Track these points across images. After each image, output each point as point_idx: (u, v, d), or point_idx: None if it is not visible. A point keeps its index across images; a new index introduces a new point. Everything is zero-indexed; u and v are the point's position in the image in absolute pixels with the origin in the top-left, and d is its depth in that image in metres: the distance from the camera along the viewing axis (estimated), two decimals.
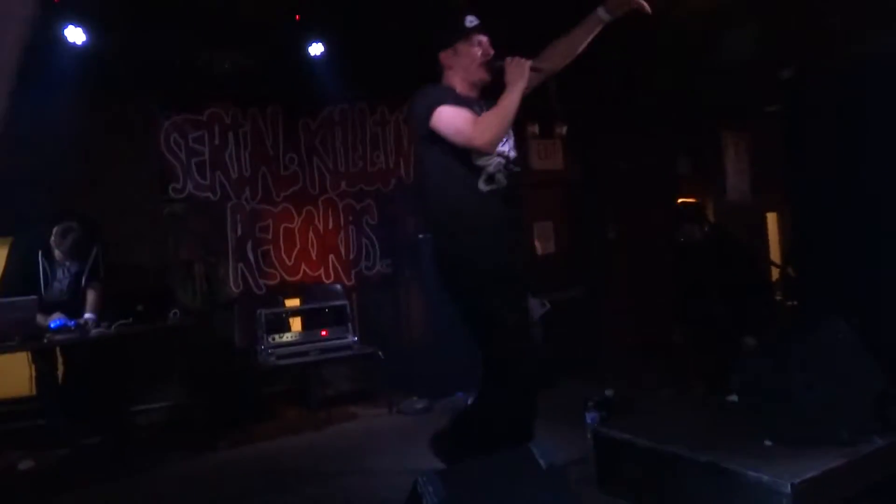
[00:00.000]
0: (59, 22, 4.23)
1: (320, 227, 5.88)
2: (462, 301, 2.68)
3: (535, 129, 6.34)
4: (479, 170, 2.62)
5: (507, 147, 2.72)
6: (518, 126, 5.75)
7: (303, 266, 5.79)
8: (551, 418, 4.44)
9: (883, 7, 3.89)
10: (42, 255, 4.36)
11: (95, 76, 4.63)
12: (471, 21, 2.72)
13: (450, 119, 2.57)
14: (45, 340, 4.00)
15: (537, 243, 6.49)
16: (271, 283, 5.66)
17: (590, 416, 4.04)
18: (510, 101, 2.55)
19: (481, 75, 2.72)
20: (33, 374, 4.37)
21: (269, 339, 4.84)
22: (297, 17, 4.84)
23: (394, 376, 5.25)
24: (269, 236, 5.69)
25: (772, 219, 7.43)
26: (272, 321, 4.95)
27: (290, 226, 5.78)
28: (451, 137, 2.57)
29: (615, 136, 6.39)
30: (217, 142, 5.52)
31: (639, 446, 2.95)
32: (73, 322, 4.21)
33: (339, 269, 5.91)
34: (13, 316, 3.83)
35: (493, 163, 2.64)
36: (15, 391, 4.59)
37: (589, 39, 2.84)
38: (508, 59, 2.62)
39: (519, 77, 2.57)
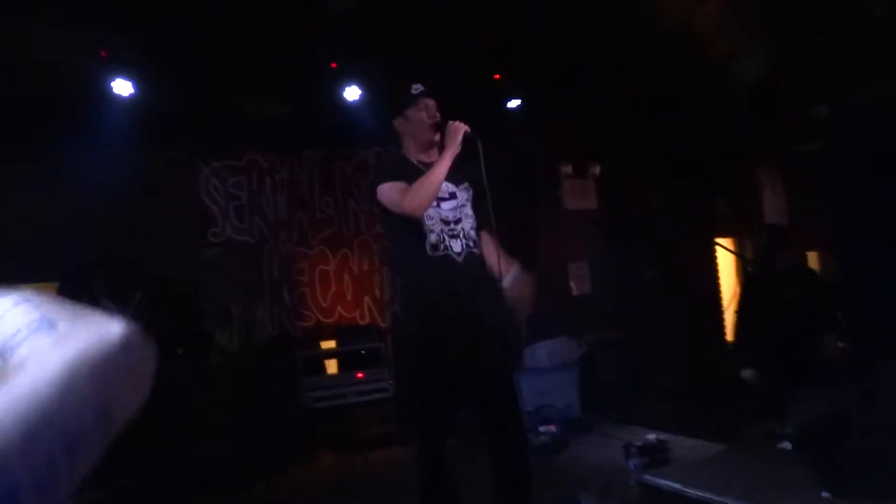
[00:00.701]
0: (108, 75, 4.38)
1: (356, 269, 5.92)
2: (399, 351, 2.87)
3: (569, 168, 6.34)
4: (423, 237, 2.77)
5: (454, 214, 2.82)
6: (551, 166, 5.74)
7: (338, 308, 5.82)
8: (592, 462, 4.38)
9: None
10: (87, 300, 4.44)
11: (139, 125, 4.78)
12: (416, 88, 2.91)
13: (386, 194, 2.76)
14: None
15: (572, 284, 6.44)
16: (307, 324, 5.69)
17: (633, 463, 3.94)
18: (439, 168, 2.71)
19: (431, 136, 2.86)
20: None
21: (306, 382, 4.84)
22: (334, 64, 4.95)
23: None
24: (305, 278, 5.74)
25: (813, 258, 7.28)
26: (309, 363, 4.96)
27: (325, 268, 5.83)
28: (391, 209, 2.76)
29: (649, 174, 6.36)
30: (255, 187, 5.63)
31: (688, 497, 2.85)
32: None
33: (375, 310, 5.92)
34: None
35: (435, 230, 2.78)
36: None
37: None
38: (449, 123, 2.78)
39: (451, 143, 2.73)
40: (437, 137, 2.85)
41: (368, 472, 4.70)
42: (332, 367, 5.23)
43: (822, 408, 2.80)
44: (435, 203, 2.79)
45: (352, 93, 5.15)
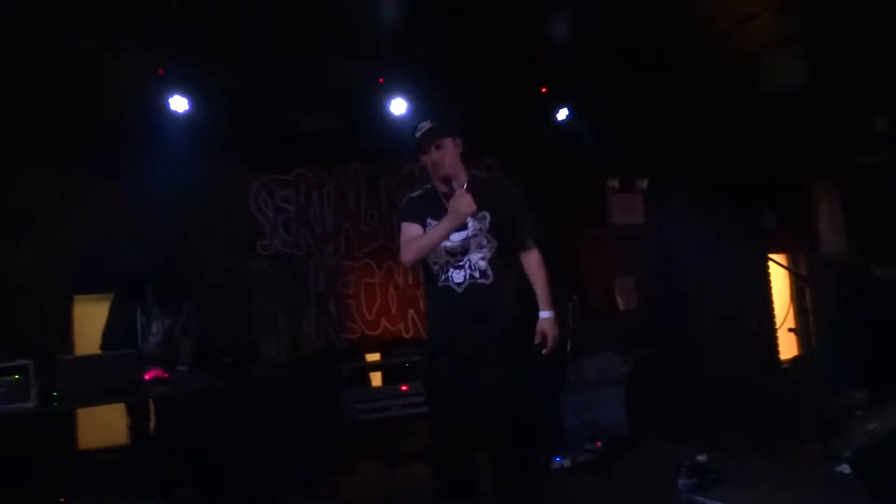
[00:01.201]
0: (165, 92, 4.53)
1: (400, 282, 5.96)
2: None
3: (616, 183, 6.28)
4: (430, 267, 2.91)
5: (461, 246, 2.85)
6: (598, 181, 5.71)
7: (383, 321, 5.86)
8: (640, 480, 4.28)
9: None
10: (140, 311, 4.57)
11: (192, 141, 4.92)
12: (419, 129, 2.93)
13: (401, 233, 2.95)
14: (142, 392, 4.16)
15: (619, 299, 6.35)
16: (352, 337, 5.74)
17: (682, 483, 3.84)
18: (438, 232, 2.79)
19: (444, 174, 2.88)
20: (129, 424, 4.53)
21: (351, 394, 4.88)
22: (381, 80, 5.02)
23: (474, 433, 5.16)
24: (351, 291, 5.80)
25: None
26: (353, 375, 4.99)
27: (370, 281, 5.88)
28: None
29: (697, 189, 6.25)
30: (303, 200, 5.73)
31: None
32: (166, 374, 4.37)
33: (419, 323, 5.93)
34: (114, 368, 4.01)
35: (439, 262, 2.87)
36: (114, 440, 4.77)
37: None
38: (459, 192, 2.76)
39: (455, 213, 2.73)
40: (452, 171, 2.88)
41: (411, 484, 4.69)
42: (376, 379, 5.26)
43: (882, 429, 2.69)
44: None
45: (398, 107, 5.21)
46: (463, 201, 2.72)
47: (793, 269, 6.54)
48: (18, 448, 3.93)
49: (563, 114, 5.60)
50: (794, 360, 6.69)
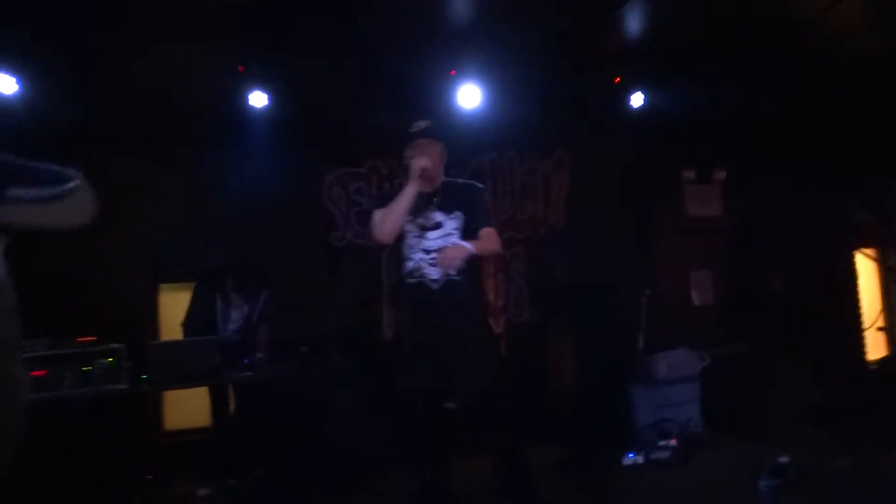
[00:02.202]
0: (245, 89, 4.69)
1: None
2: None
3: (692, 174, 6.10)
4: (405, 263, 3.07)
5: (438, 243, 3.04)
6: (674, 172, 5.60)
7: None
8: (717, 480, 4.17)
9: None
10: (220, 299, 4.75)
11: (269, 136, 5.07)
12: (414, 127, 3.26)
13: (372, 221, 3.13)
14: (224, 377, 4.33)
15: (694, 294, 6.18)
16: None
17: (764, 484, 3.73)
18: (399, 201, 3.02)
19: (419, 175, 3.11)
20: (211, 407, 4.73)
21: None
22: (453, 71, 5.03)
23: (544, 427, 5.14)
24: None
25: None
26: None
27: None
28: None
29: (779, 178, 6.00)
30: (375, 192, 5.81)
31: None
32: (245, 360, 4.53)
33: (489, 316, 5.94)
34: (198, 353, 4.19)
35: (414, 258, 3.05)
36: (198, 422, 4.99)
37: None
38: (410, 160, 3.09)
39: (411, 176, 3.05)
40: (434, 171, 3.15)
41: (480, 475, 4.71)
42: None
43: None
44: (417, 233, 3.06)
45: (470, 100, 5.21)
46: (415, 162, 3.06)
47: (885, 264, 6.22)
48: (110, 428, 4.15)
49: (638, 100, 5.46)
50: (883, 360, 6.37)
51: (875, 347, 6.40)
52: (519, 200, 6.10)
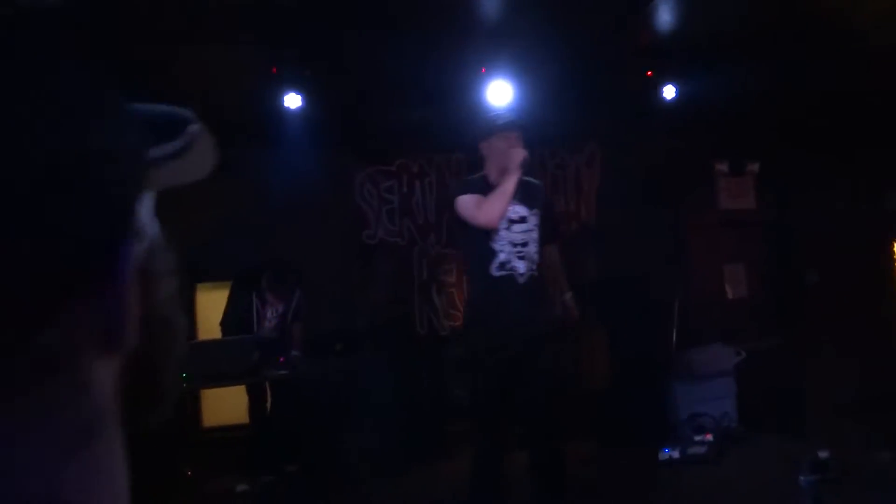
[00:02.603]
0: (279, 90, 4.75)
1: None
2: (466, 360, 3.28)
3: (724, 166, 6.03)
4: (493, 255, 3.02)
5: (522, 237, 3.08)
6: (706, 163, 5.59)
7: None
8: (754, 475, 4.15)
9: None
10: (256, 298, 4.83)
11: (302, 137, 5.13)
12: (501, 118, 3.26)
13: (464, 206, 3.08)
14: (261, 375, 4.41)
15: (727, 287, 6.12)
16: (454, 324, 5.83)
17: (804, 479, 3.69)
18: (506, 185, 3.00)
19: (506, 163, 3.09)
20: (248, 404, 4.82)
21: (455, 380, 4.97)
22: (483, 69, 5.04)
23: (578, 422, 5.15)
24: (453, 279, 5.88)
25: None
26: (458, 362, 5.07)
27: None
28: (468, 220, 3.06)
29: (814, 170, 5.92)
30: (405, 190, 5.86)
31: None
32: (281, 358, 4.61)
33: None
34: (235, 352, 4.28)
35: (505, 250, 3.04)
36: (236, 418, 5.08)
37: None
38: (510, 150, 3.07)
39: (513, 165, 3.02)
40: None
41: (514, 469, 4.73)
42: None
43: None
44: (506, 225, 3.05)
45: (499, 97, 5.22)
46: (517, 152, 3.05)
47: None
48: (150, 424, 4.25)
49: (670, 92, 5.42)
50: None
51: None
52: (550, 195, 6.10)
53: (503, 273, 3.03)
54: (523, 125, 3.28)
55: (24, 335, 0.33)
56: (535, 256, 3.12)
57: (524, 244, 3.07)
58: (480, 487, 3.15)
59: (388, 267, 5.78)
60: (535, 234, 3.13)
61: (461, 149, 5.95)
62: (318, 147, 5.37)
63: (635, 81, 5.35)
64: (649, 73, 5.29)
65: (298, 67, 4.64)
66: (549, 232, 3.27)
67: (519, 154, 3.06)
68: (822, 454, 3.82)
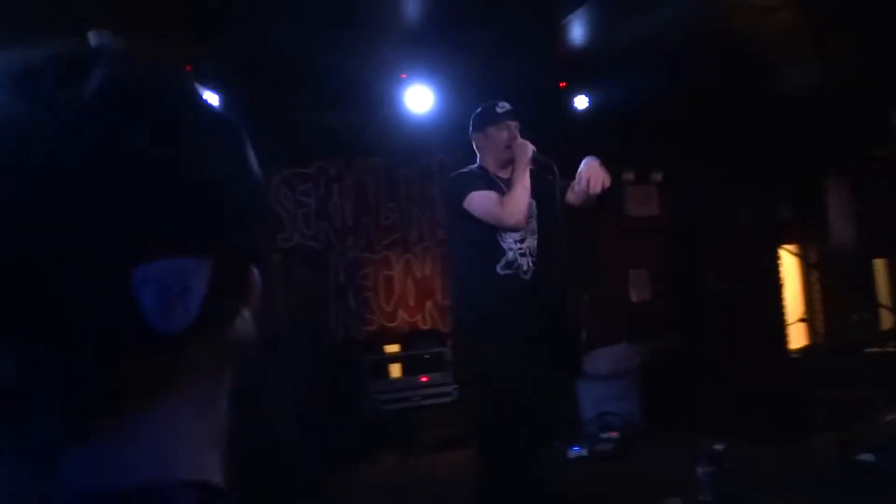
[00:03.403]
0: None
1: (418, 275, 6.03)
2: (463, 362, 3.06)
3: (631, 175, 6.33)
4: (501, 254, 2.88)
5: (523, 233, 2.94)
6: (613, 172, 5.81)
7: (401, 312, 5.94)
8: (658, 469, 4.38)
9: None
10: None
11: None
12: (501, 107, 3.04)
13: (480, 202, 2.86)
14: None
15: (632, 290, 6.43)
16: (371, 329, 5.82)
17: (702, 471, 3.94)
18: (523, 181, 2.84)
19: (508, 156, 2.97)
20: None
21: (371, 385, 4.97)
22: (403, 75, 5.07)
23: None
24: (370, 283, 5.87)
25: (880, 265, 7.11)
26: (374, 367, 5.08)
27: (389, 273, 5.95)
28: (484, 219, 2.85)
29: (713, 181, 6.31)
30: (322, 193, 5.79)
31: None
32: None
33: (436, 315, 6.01)
34: None
35: (513, 248, 2.90)
36: None
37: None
38: (518, 141, 2.93)
39: (523, 157, 2.88)
40: (513, 158, 2.96)
41: (432, 474, 4.79)
42: (396, 370, 5.35)
43: None
44: None
45: (419, 102, 5.26)
46: (527, 143, 2.91)
47: (808, 261, 6.62)
48: None
49: (582, 102, 5.63)
50: (804, 349, 6.78)
51: (797, 338, 6.81)
52: None
53: (509, 272, 2.91)
54: (523, 116, 3.14)
55: (199, 331, 0.40)
56: (535, 248, 3.01)
57: (522, 240, 2.97)
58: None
59: (303, 271, 5.69)
60: (534, 225, 3.04)
61: (380, 153, 5.96)
62: None
63: (551, 91, 5.53)
64: (563, 84, 5.48)
65: (213, 64, 4.50)
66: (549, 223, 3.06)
67: (528, 147, 2.93)
68: (717, 447, 4.08)
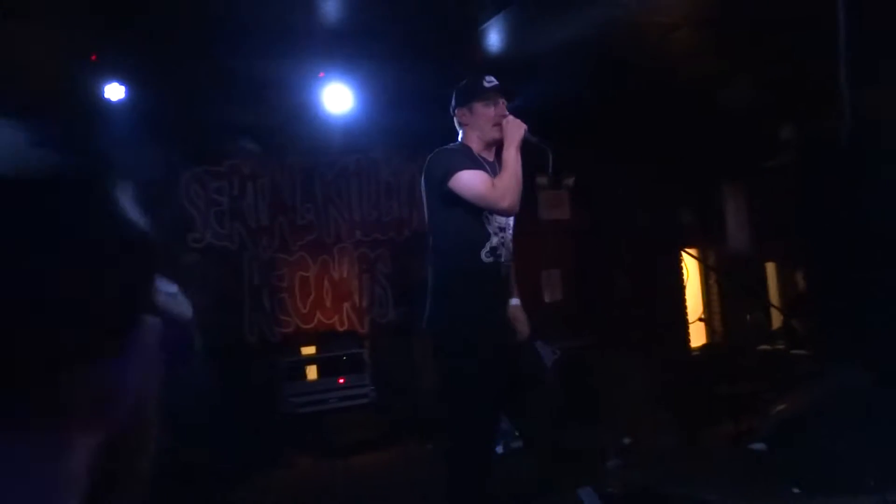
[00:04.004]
0: (101, 80, 4.38)
1: (335, 276, 5.98)
2: (440, 358, 2.76)
3: (544, 179, 6.51)
4: (485, 240, 2.66)
5: (506, 221, 2.76)
6: (526, 178, 5.94)
7: (317, 314, 5.87)
8: (569, 463, 4.52)
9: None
10: None
11: (123, 130, 4.77)
12: (489, 81, 2.77)
13: (470, 183, 2.59)
14: None
15: (545, 291, 6.62)
16: (286, 330, 5.72)
17: (611, 464, 4.11)
18: (515, 160, 2.63)
19: (495, 135, 2.72)
20: None
21: (287, 387, 4.89)
22: (322, 73, 5.03)
23: (409, 423, 5.29)
24: (285, 284, 5.78)
25: (771, 268, 7.62)
26: (290, 369, 5.00)
27: (305, 274, 5.87)
28: (473, 201, 2.60)
29: (621, 186, 6.59)
30: (236, 192, 5.65)
31: (670, 494, 3.03)
32: None
33: (353, 316, 5.98)
34: None
35: (498, 235, 2.69)
36: None
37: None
38: (508, 119, 2.70)
39: (514, 137, 2.64)
40: (500, 137, 2.71)
41: (349, 477, 4.76)
42: (312, 372, 5.28)
43: (793, 410, 3.01)
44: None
45: (337, 101, 5.23)
46: (518, 123, 2.68)
47: (707, 264, 7.01)
48: None
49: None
50: (703, 347, 7.18)
51: (697, 336, 7.21)
52: (384, 202, 6.20)
53: (490, 260, 2.67)
54: (511, 91, 2.88)
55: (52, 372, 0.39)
56: (511, 244, 2.81)
57: (504, 229, 2.75)
58: (465, 490, 2.68)
59: (216, 272, 5.53)
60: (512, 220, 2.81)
61: (297, 152, 5.88)
62: (141, 143, 5.01)
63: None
64: None
65: (122, 55, 4.31)
66: None
67: (520, 126, 2.68)
68: (625, 441, 4.28)
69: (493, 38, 5.11)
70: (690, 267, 7.32)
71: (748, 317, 7.21)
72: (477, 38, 5.00)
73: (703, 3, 4.98)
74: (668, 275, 6.45)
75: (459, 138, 2.83)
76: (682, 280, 6.96)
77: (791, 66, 5.14)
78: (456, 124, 2.84)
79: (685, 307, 7.10)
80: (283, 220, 5.81)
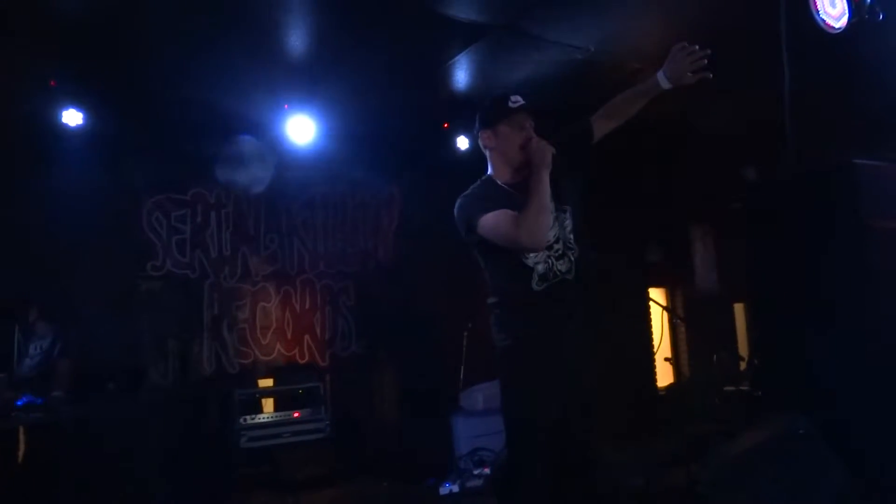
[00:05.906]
0: (59, 105, 4.37)
1: (297, 307, 5.93)
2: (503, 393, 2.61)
3: None
4: (530, 270, 2.48)
5: (553, 234, 2.52)
6: None
7: (278, 346, 5.80)
8: None
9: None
10: (18, 330, 4.35)
11: (83, 157, 4.75)
12: (514, 101, 2.55)
13: (493, 226, 2.44)
14: (12, 419, 3.94)
15: None
16: (245, 361, 5.64)
17: None
18: (542, 189, 2.41)
19: (523, 158, 2.52)
20: None
21: (242, 421, 4.80)
22: (286, 105, 5.05)
23: (365, 460, 5.19)
24: (246, 315, 5.71)
25: (739, 309, 7.64)
26: (245, 402, 4.92)
27: (266, 305, 5.82)
28: (500, 243, 2.44)
29: (590, 223, 6.60)
30: (199, 220, 5.62)
31: None
32: (40, 399, 4.15)
33: (314, 349, 5.92)
34: None
35: (540, 260, 2.49)
36: None
37: (644, 103, 2.75)
38: (534, 140, 2.51)
39: (542, 162, 2.44)
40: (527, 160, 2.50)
41: None
42: (268, 405, 5.20)
43: (732, 455, 2.97)
44: None
45: (302, 133, 5.24)
46: (545, 144, 2.48)
47: (664, 306, 6.98)
48: None
49: (464, 143, 5.78)
50: (669, 386, 7.15)
51: (664, 375, 7.18)
52: (349, 234, 6.18)
53: (546, 285, 2.48)
54: (538, 111, 2.61)
55: None
56: (572, 240, 2.56)
57: (556, 240, 2.52)
58: None
59: (175, 300, 5.47)
60: (569, 225, 2.58)
61: (262, 182, 5.86)
62: (100, 169, 4.99)
63: (432, 129, 5.66)
64: (446, 125, 5.62)
65: (81, 81, 4.29)
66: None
67: (546, 149, 2.47)
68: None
69: (460, 75, 5.16)
70: (657, 306, 7.34)
71: (715, 357, 7.21)
72: (443, 74, 5.05)
73: (663, 44, 5.08)
74: (634, 314, 6.45)
75: (487, 160, 2.66)
76: (648, 319, 6.98)
77: (755, 106, 5.23)
78: (481, 147, 2.66)
79: (652, 346, 7.09)
80: (245, 249, 5.77)
